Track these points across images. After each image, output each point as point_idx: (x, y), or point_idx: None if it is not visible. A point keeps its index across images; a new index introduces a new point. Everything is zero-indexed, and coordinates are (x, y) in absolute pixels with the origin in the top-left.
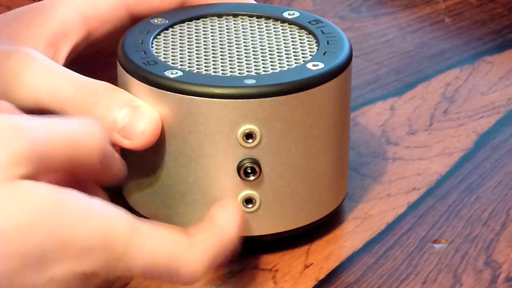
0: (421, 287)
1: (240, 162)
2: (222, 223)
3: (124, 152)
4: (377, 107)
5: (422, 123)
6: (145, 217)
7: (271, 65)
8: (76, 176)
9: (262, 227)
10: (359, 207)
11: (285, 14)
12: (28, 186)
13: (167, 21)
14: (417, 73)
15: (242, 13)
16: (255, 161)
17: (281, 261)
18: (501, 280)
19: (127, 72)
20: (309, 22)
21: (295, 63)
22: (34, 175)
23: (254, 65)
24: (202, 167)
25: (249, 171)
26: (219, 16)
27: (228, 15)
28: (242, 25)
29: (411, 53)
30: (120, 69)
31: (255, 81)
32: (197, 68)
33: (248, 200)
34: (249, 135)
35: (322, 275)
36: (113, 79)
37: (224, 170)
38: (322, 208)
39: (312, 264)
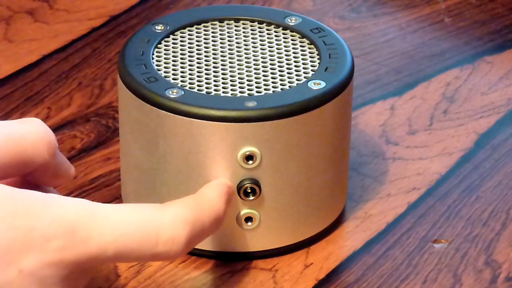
0: (421, 287)
1: (240, 183)
2: (205, 196)
3: (125, 165)
4: (377, 107)
5: (422, 123)
6: None
7: (272, 83)
8: (30, 178)
9: (261, 243)
10: (359, 207)
11: (287, 20)
12: None
13: (167, 27)
14: (417, 73)
15: (244, 17)
16: (255, 182)
17: (281, 261)
18: (501, 280)
19: (128, 88)
20: (311, 30)
21: (297, 80)
22: None
23: (255, 83)
24: (202, 186)
25: (249, 191)
26: (220, 21)
27: (229, 19)
28: (243, 33)
29: (411, 53)
30: (120, 83)
31: (256, 103)
32: (197, 85)
33: (248, 218)
34: (249, 157)
35: (322, 275)
36: None
37: None
38: (321, 221)
39: (312, 264)
